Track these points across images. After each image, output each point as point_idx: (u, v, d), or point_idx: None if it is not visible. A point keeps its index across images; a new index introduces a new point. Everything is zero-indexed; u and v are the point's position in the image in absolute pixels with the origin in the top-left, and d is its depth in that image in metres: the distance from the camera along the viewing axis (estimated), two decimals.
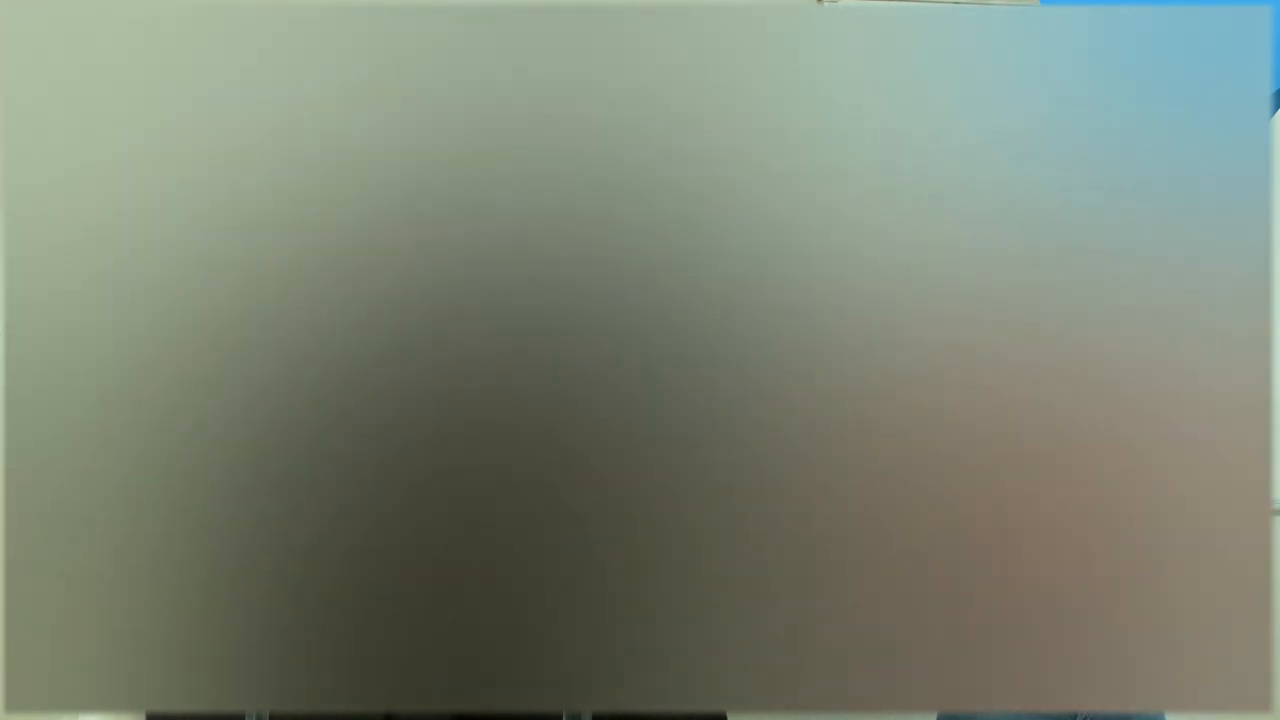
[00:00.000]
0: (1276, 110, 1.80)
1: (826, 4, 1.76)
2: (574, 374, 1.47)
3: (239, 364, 1.46)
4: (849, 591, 1.48)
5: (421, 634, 1.46)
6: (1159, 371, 1.50)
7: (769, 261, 1.48)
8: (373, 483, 1.46)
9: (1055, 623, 1.49)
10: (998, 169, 1.49)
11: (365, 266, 1.47)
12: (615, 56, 1.48)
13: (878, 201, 1.49)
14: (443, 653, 1.46)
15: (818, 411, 1.48)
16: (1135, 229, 1.50)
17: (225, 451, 1.46)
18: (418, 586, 1.46)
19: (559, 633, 1.47)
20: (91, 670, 1.46)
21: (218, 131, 1.47)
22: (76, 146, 1.47)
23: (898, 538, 1.49)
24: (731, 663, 1.48)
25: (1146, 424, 1.50)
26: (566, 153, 1.47)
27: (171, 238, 1.47)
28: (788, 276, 1.48)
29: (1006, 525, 1.49)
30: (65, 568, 1.46)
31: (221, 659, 1.46)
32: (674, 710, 1.48)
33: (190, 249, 1.47)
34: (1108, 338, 1.50)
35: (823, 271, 1.48)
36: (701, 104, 1.48)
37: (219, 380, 1.46)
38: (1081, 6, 1.52)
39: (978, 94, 1.49)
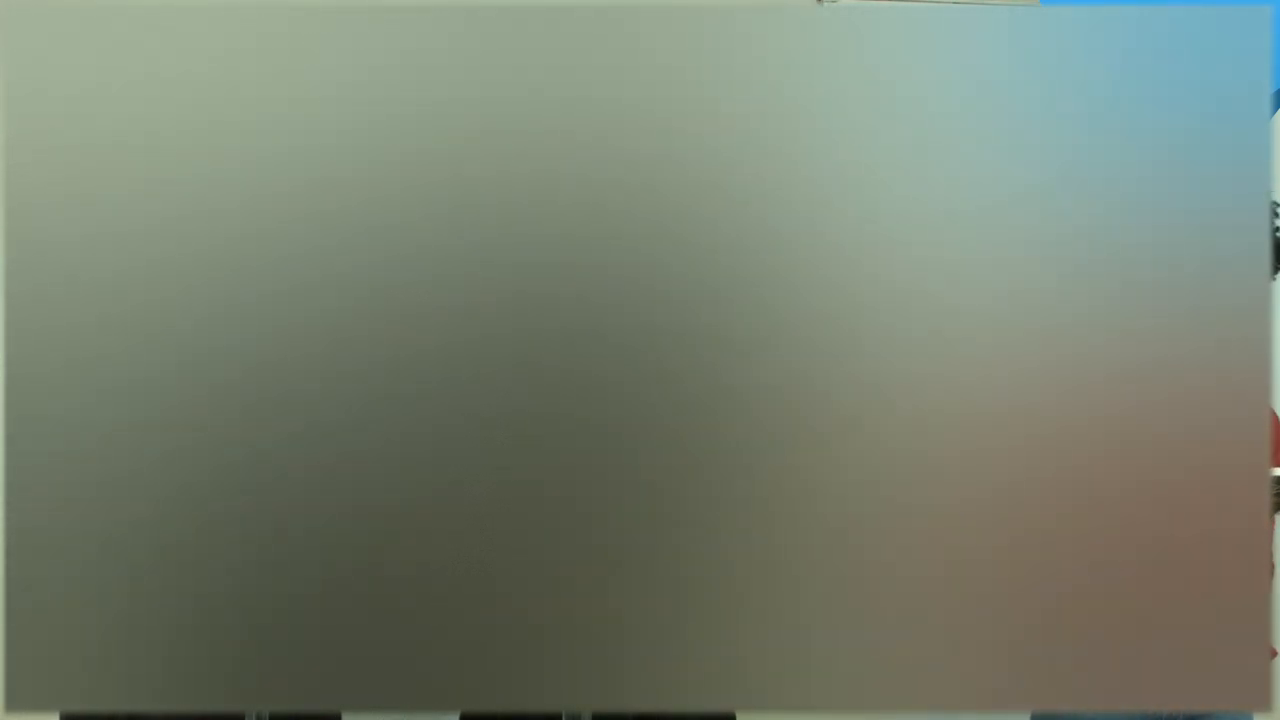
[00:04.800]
0: (1276, 110, 1.80)
1: (826, 4, 1.76)
2: (576, 375, 1.47)
3: (239, 365, 1.46)
4: (850, 592, 1.48)
5: (422, 634, 1.46)
6: (1159, 371, 1.50)
7: (769, 259, 1.48)
8: (373, 484, 1.46)
9: (1056, 623, 1.49)
10: (997, 168, 1.49)
11: (365, 267, 1.47)
12: (615, 56, 1.48)
13: (877, 200, 1.49)
14: (443, 653, 1.46)
15: (819, 414, 1.48)
16: (1135, 228, 1.50)
17: (225, 453, 1.46)
18: (418, 587, 1.46)
19: (559, 633, 1.47)
20: (91, 670, 1.46)
21: (217, 133, 1.47)
22: (77, 148, 1.46)
23: (897, 540, 1.49)
24: (733, 663, 1.48)
25: (1147, 424, 1.50)
26: (565, 152, 1.47)
27: (173, 240, 1.47)
28: (788, 275, 1.48)
29: (1006, 527, 1.49)
30: (65, 569, 1.46)
31: (221, 659, 1.46)
32: (674, 710, 1.48)
33: (191, 252, 1.46)
34: (1108, 337, 1.50)
35: (822, 270, 1.48)
36: (702, 103, 1.48)
37: (219, 382, 1.46)
38: (1081, 6, 1.52)
39: (978, 94, 1.49)
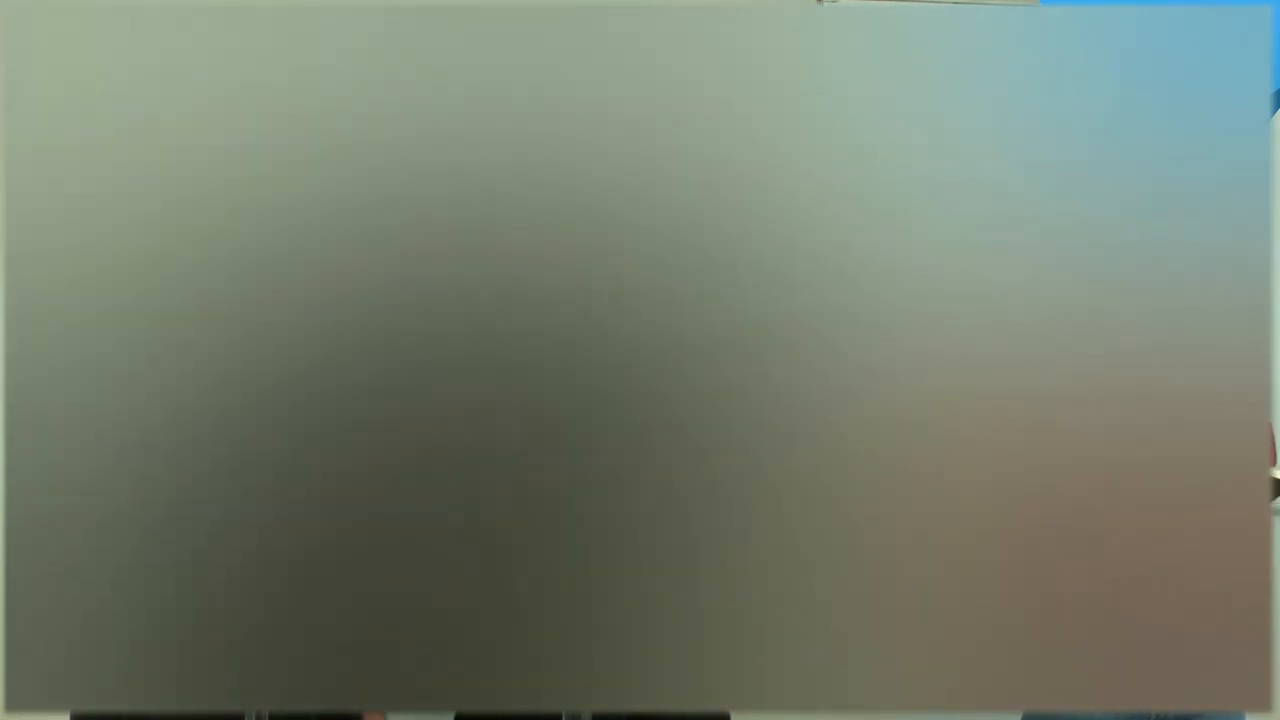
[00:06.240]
0: (1276, 110, 1.80)
1: (826, 4, 1.76)
2: (575, 376, 1.47)
3: (240, 365, 1.46)
4: (849, 592, 1.48)
5: (421, 634, 1.46)
6: (1159, 372, 1.50)
7: (769, 259, 1.48)
8: (373, 484, 1.46)
9: (1055, 623, 1.49)
10: (998, 168, 1.49)
11: (370, 268, 1.47)
12: (615, 56, 1.48)
13: (877, 200, 1.49)
14: (443, 653, 1.46)
15: (817, 417, 1.48)
16: (1135, 228, 1.50)
17: (225, 453, 1.46)
18: (419, 587, 1.46)
19: (559, 633, 1.47)
20: (91, 670, 1.46)
21: (218, 133, 1.47)
22: (77, 148, 1.46)
23: (896, 540, 1.49)
24: (732, 663, 1.48)
25: (1147, 425, 1.50)
26: (564, 152, 1.47)
27: (173, 239, 1.47)
28: (788, 274, 1.48)
29: (1006, 527, 1.49)
30: (65, 568, 1.46)
31: (221, 659, 1.46)
32: (674, 710, 1.48)
33: (191, 251, 1.47)
34: (1108, 337, 1.50)
35: (822, 269, 1.48)
36: (702, 103, 1.48)
37: (219, 382, 1.46)
38: (1081, 6, 1.52)
39: (978, 94, 1.49)
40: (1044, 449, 1.49)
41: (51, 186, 1.46)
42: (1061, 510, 1.49)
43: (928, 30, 1.49)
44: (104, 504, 1.46)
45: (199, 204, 1.47)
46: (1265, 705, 1.52)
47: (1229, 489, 1.50)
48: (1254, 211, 1.50)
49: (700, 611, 1.47)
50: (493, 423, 1.46)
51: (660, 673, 1.47)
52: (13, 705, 1.46)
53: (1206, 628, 1.50)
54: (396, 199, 1.47)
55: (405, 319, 1.46)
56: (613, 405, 1.47)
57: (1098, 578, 1.50)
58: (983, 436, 1.49)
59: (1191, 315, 1.50)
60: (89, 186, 1.46)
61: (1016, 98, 1.50)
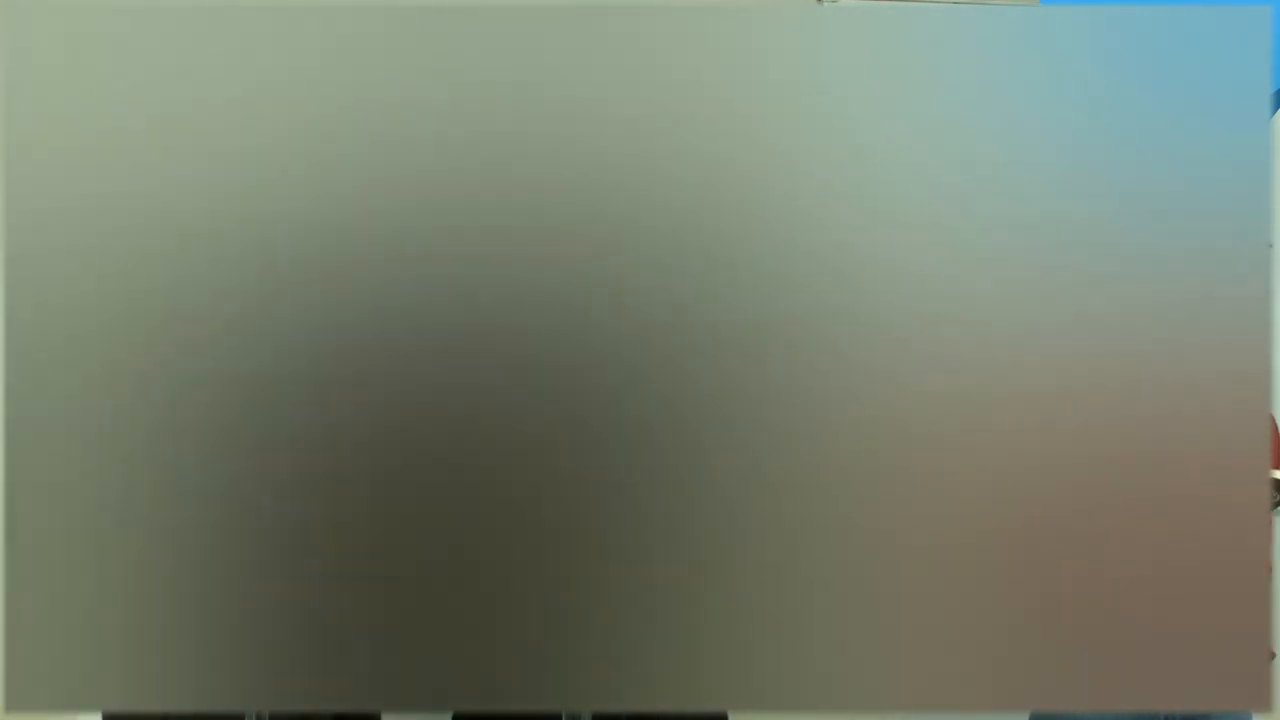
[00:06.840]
0: (1276, 110, 1.80)
1: (826, 4, 1.76)
2: (575, 376, 1.47)
3: (239, 365, 1.46)
4: (849, 592, 1.48)
5: (421, 634, 1.46)
6: (1159, 371, 1.50)
7: (769, 259, 1.48)
8: (373, 485, 1.46)
9: (1056, 623, 1.49)
10: (997, 168, 1.49)
11: (370, 268, 1.47)
12: (615, 56, 1.48)
13: (877, 200, 1.49)
14: (443, 653, 1.46)
15: (817, 416, 1.48)
16: (1136, 228, 1.50)
17: (225, 453, 1.46)
18: (419, 587, 1.46)
19: (559, 633, 1.47)
20: (91, 670, 1.46)
21: (218, 133, 1.47)
22: (77, 148, 1.46)
23: (897, 540, 1.49)
24: (731, 663, 1.48)
25: (1147, 425, 1.50)
26: (564, 152, 1.47)
27: (173, 238, 1.47)
28: (788, 274, 1.48)
29: (1006, 527, 1.49)
30: (65, 568, 1.46)
31: (221, 659, 1.46)
32: (674, 710, 1.48)
33: (191, 251, 1.46)
34: (1107, 337, 1.50)
35: (821, 269, 1.48)
36: (702, 103, 1.48)
37: (218, 383, 1.46)
38: (1081, 6, 1.52)
39: (978, 94, 1.49)
40: (1044, 449, 1.49)
41: (51, 186, 1.46)
42: (1061, 510, 1.49)
43: (928, 30, 1.49)
44: (103, 504, 1.46)
45: (199, 204, 1.47)
46: (1265, 705, 1.52)
47: (1229, 489, 1.50)
48: (1254, 211, 1.50)
49: (700, 611, 1.47)
50: (493, 422, 1.46)
51: (660, 673, 1.47)
52: (13, 705, 1.46)
53: (1206, 628, 1.50)
54: (396, 199, 1.47)
55: (405, 319, 1.46)
56: (613, 405, 1.47)
57: (1098, 578, 1.50)
58: (983, 436, 1.49)
59: (1191, 315, 1.50)
60: (89, 186, 1.46)
61: (1016, 98, 1.50)
